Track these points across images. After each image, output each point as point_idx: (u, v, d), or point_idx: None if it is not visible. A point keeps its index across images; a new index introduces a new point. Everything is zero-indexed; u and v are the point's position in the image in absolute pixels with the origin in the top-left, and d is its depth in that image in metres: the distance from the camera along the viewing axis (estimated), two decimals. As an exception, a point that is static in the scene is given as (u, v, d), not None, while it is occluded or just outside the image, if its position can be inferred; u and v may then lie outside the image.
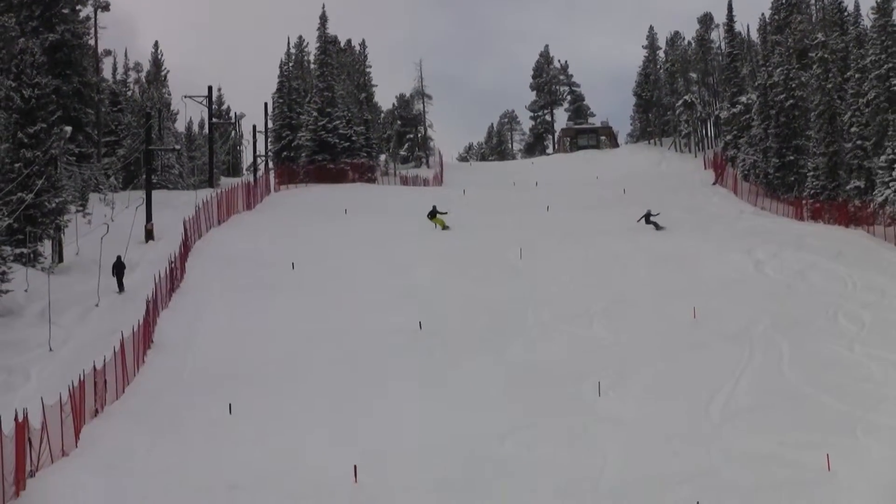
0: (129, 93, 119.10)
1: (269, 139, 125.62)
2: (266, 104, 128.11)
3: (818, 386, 46.96)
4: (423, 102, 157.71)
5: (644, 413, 43.22)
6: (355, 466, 34.81)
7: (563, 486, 33.90)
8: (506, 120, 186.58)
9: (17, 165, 67.93)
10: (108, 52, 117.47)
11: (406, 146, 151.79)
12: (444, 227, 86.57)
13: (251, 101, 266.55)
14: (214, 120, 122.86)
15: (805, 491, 32.31)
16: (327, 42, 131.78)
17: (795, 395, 45.85)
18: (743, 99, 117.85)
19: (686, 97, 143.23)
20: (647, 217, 69.28)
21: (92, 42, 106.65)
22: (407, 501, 32.15)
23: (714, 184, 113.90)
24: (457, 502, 31.99)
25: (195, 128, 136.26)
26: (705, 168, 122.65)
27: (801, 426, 40.86)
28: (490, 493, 33.18)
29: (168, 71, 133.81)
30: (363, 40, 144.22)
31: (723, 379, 47.86)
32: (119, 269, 67.02)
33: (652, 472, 35.52)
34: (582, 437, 40.17)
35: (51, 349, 52.38)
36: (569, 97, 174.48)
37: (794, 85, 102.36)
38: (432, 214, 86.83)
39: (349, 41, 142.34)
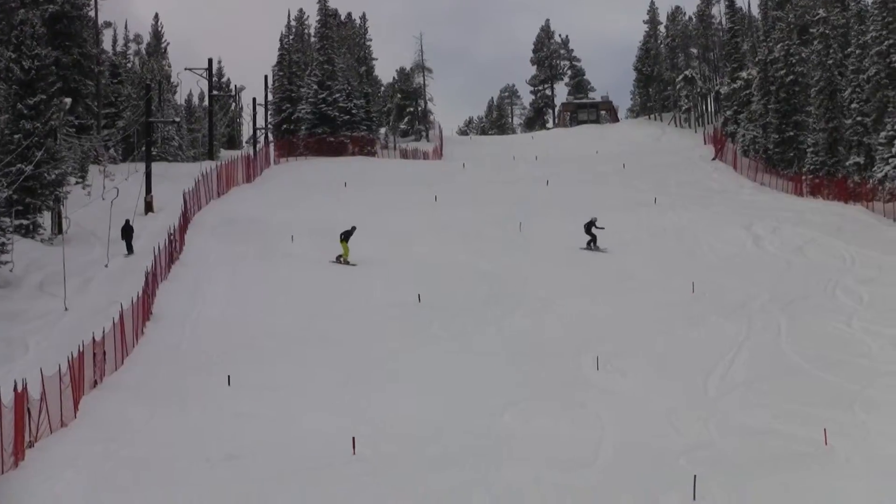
0: (129, 65, 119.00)
1: (269, 112, 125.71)
2: (266, 77, 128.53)
3: (816, 361, 47.03)
4: (424, 76, 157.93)
5: (642, 387, 43.26)
6: (353, 438, 34.79)
7: (560, 459, 33.89)
8: (506, 94, 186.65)
9: (16, 137, 67.98)
10: (108, 24, 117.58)
11: (406, 120, 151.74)
12: (345, 259, 67.47)
13: (251, 74, 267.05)
14: (214, 92, 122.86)
15: (802, 465, 32.29)
16: (327, 15, 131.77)
17: (793, 370, 45.92)
18: (743, 74, 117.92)
19: (686, 72, 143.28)
20: (590, 226, 63.30)
21: (92, 13, 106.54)
22: (405, 473, 32.09)
23: (714, 159, 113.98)
24: (455, 475, 31.93)
25: (195, 100, 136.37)
26: (705, 143, 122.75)
27: (799, 401, 40.88)
28: (488, 465, 33.16)
29: (168, 43, 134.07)
30: (363, 14, 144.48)
31: (721, 353, 47.92)
32: (128, 232, 68.25)
33: (649, 445, 35.52)
34: (580, 410, 40.17)
35: (63, 314, 52.55)
36: (569, 72, 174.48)
37: (794, 61, 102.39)
38: (345, 237, 68.06)
39: (349, 14, 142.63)
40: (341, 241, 67.48)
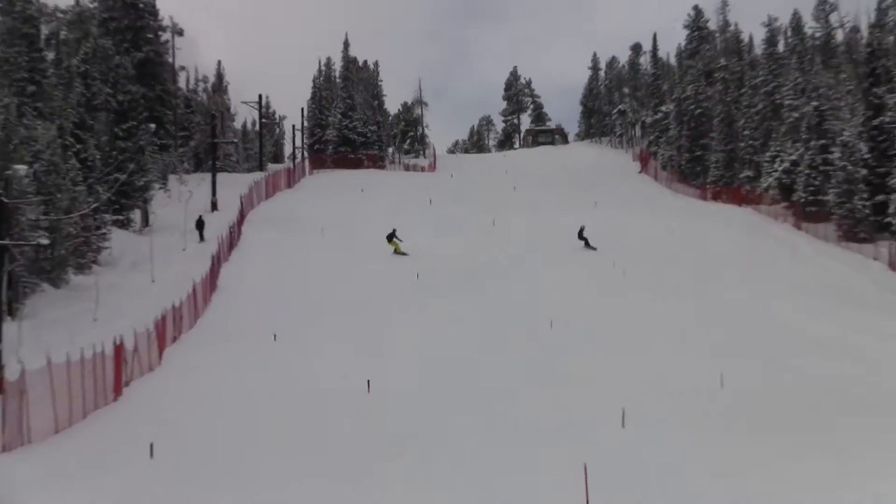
0: (199, 98, 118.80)
1: (305, 135, 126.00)
2: (302, 109, 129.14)
3: (711, 317, 47.78)
4: (422, 109, 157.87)
5: (582, 342, 43.65)
6: (368, 381, 35.22)
7: (519, 394, 34.32)
8: (483, 122, 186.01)
9: (114, 153, 68.37)
10: (182, 68, 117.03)
11: (408, 141, 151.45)
12: (400, 252, 65.59)
13: (291, 105, 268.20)
14: (263, 120, 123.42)
15: (700, 399, 32.71)
16: (349, 62, 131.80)
17: (694, 329, 46.35)
18: (663, 108, 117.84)
19: (620, 106, 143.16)
20: (581, 232, 63.93)
21: (170, 59, 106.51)
22: (405, 404, 32.50)
23: (640, 172, 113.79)
24: (445, 404, 32.36)
25: (248, 125, 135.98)
26: (634, 160, 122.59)
27: (698, 352, 41.36)
28: (465, 397, 33.60)
29: (228, 82, 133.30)
30: (376, 61, 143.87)
31: (642, 318, 48.36)
32: (200, 224, 68.95)
33: (587, 384, 35.95)
34: (535, 361, 40.57)
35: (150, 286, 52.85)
36: (531, 106, 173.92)
37: (701, 98, 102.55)
38: (390, 237, 66.38)
39: (365, 61, 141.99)
40: (390, 241, 65.89)
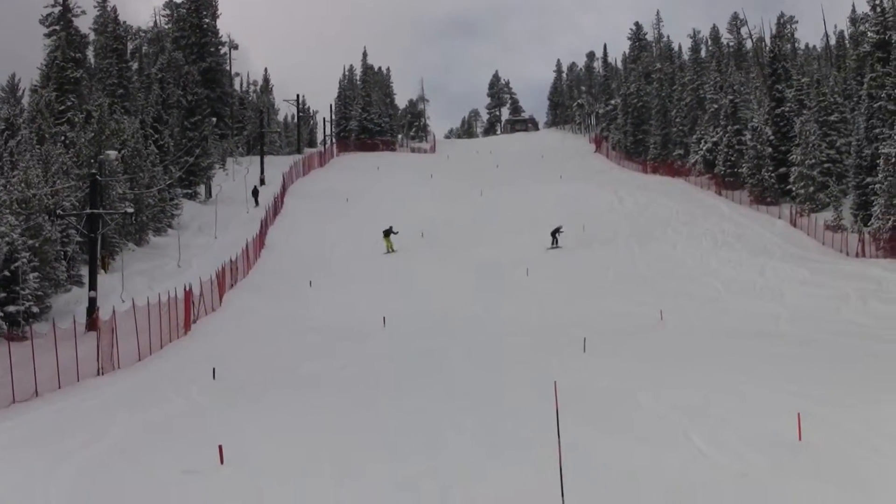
0: (250, 98, 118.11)
1: (333, 125, 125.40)
2: (331, 105, 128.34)
3: (655, 271, 47.24)
4: (424, 104, 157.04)
5: (552, 286, 43.37)
6: (384, 318, 34.92)
7: (507, 326, 34.05)
8: (472, 114, 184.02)
9: (184, 141, 67.93)
10: (237, 74, 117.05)
11: (413, 129, 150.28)
12: (391, 251, 54.65)
13: (323, 100, 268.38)
14: (300, 114, 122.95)
15: (647, 331, 32.43)
16: (367, 68, 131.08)
17: (642, 276, 46.05)
18: (612, 102, 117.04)
19: (579, 101, 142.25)
20: (555, 232, 58.65)
21: (227, 67, 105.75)
22: (414, 335, 32.24)
23: (595, 152, 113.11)
24: (444, 335, 32.08)
25: (289, 118, 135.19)
26: (590, 143, 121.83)
27: (644, 294, 41.06)
28: (459, 328, 33.35)
29: (273, 84, 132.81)
30: (388, 67, 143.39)
31: (599, 267, 48.02)
32: (255, 192, 69.40)
33: (558, 320, 35.67)
34: (517, 300, 40.35)
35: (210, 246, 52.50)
36: (510, 101, 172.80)
37: (642, 94, 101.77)
38: (386, 234, 55.33)
39: (380, 67, 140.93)
40: (385, 236, 54.99)
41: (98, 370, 26.34)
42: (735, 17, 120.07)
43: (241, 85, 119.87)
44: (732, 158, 74.53)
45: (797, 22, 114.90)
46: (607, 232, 57.88)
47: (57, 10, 72.00)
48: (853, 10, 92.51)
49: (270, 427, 18.38)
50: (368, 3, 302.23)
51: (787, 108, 70.84)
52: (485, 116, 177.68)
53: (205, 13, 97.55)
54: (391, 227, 55.27)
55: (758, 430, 16.78)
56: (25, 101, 79.91)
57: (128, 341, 28.06)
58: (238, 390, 22.95)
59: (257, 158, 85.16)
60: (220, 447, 15.48)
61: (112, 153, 44.77)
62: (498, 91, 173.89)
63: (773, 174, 68.72)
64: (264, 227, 57.75)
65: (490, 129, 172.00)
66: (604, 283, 44.53)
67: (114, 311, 28.79)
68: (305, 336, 32.83)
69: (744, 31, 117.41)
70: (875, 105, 58.26)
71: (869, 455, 15.05)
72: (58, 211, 38.83)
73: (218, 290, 40.29)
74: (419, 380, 23.80)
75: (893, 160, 49.94)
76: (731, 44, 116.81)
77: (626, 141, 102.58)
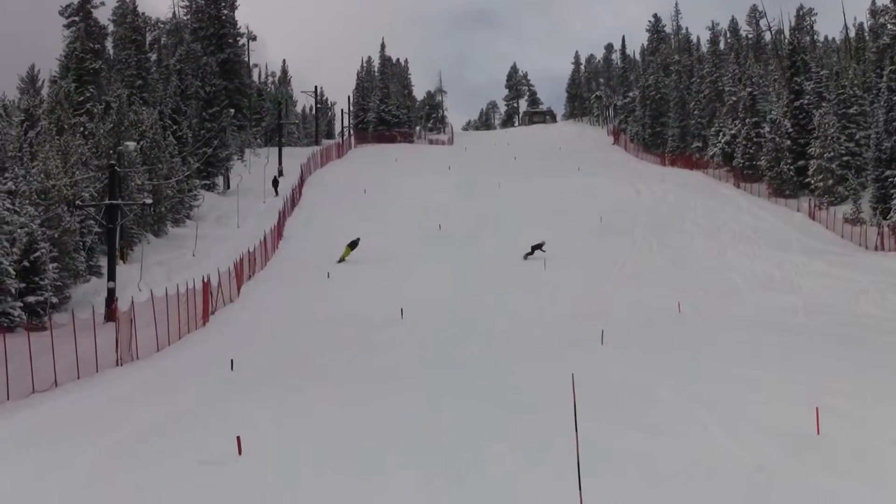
0: (268, 89, 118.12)
1: (351, 117, 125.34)
2: (349, 97, 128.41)
3: (672, 263, 47.18)
4: (442, 96, 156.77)
5: (570, 278, 43.29)
6: (402, 309, 34.92)
7: (524, 318, 34.00)
8: (490, 106, 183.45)
9: (202, 132, 68.01)
10: (255, 65, 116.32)
11: (431, 121, 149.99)
12: (344, 259, 49.08)
13: (340, 91, 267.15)
14: (318, 105, 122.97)
15: (664, 323, 32.37)
16: (385, 59, 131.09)
17: (659, 268, 45.98)
18: (630, 94, 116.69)
19: (597, 93, 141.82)
20: (536, 248, 50.05)
21: (246, 59, 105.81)
22: (430, 326, 32.20)
23: (613, 144, 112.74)
24: (462, 327, 32.05)
25: (307, 109, 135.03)
26: (608, 135, 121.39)
27: (662, 286, 40.98)
28: (477, 320, 33.31)
29: (291, 76, 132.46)
30: (406, 59, 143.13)
31: (616, 259, 47.94)
32: (275, 182, 70.03)
33: (575, 312, 35.61)
34: (535, 292, 40.29)
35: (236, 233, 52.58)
36: (528, 93, 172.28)
37: (660, 86, 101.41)
38: (352, 245, 49.87)
39: (398, 59, 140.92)
40: (348, 246, 49.76)
41: (117, 361, 26.46)
42: (754, 9, 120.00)
43: (260, 76, 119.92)
44: (751, 151, 74.30)
45: (816, 14, 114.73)
46: (625, 224, 57.74)
47: (76, 1, 72.22)
48: (873, 3, 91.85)
49: (289, 418, 18.45)
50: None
51: (805, 101, 70.60)
52: (502, 108, 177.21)
53: (223, 4, 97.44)
54: (358, 240, 50.11)
55: (776, 423, 16.75)
56: (45, 92, 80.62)
57: (146, 332, 28.17)
58: (256, 381, 23.01)
59: (275, 150, 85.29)
60: (238, 438, 15.55)
61: (131, 144, 45.00)
62: (516, 83, 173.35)
63: (791, 167, 68.55)
64: (282, 218, 57.83)
65: (508, 121, 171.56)
66: (621, 276, 44.48)
67: (132, 302, 28.89)
68: (323, 327, 32.84)
69: (763, 23, 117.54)
70: (895, 98, 57.99)
71: (887, 448, 15.00)
72: (77, 202, 39.02)
73: (236, 280, 40.39)
74: (437, 372, 23.82)
75: (913, 153, 49.69)
76: (750, 36, 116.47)
77: (644, 133, 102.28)
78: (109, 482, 14.37)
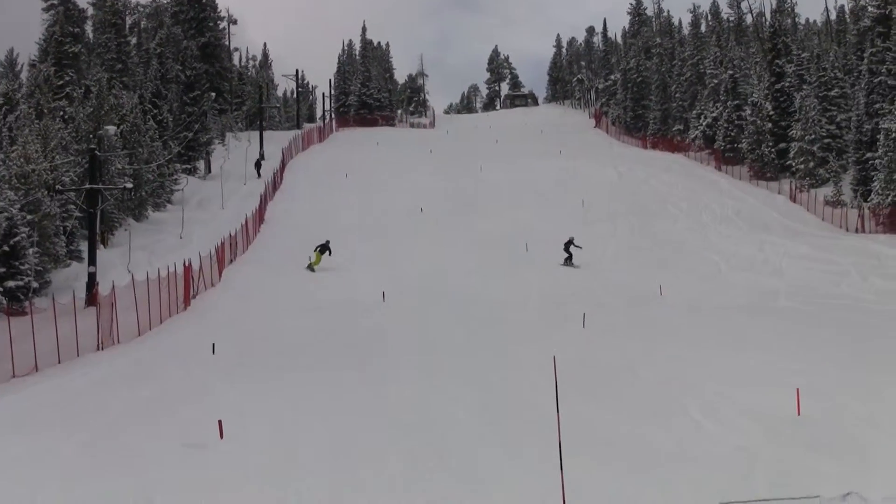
0: (249, 73, 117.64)
1: (332, 100, 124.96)
2: (330, 80, 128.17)
3: (654, 245, 47.26)
4: (423, 79, 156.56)
5: (553, 262, 43.29)
6: (384, 293, 34.90)
7: (507, 300, 34.02)
8: (472, 89, 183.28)
9: (183, 116, 67.63)
10: (236, 49, 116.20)
11: (413, 105, 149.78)
12: (313, 267, 42.70)
13: (321, 75, 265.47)
14: (300, 89, 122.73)
15: (648, 305, 32.47)
16: (366, 43, 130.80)
17: (641, 251, 46.03)
18: (612, 77, 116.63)
19: (578, 76, 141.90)
20: (568, 245, 44.16)
21: (226, 42, 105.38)
22: (414, 310, 32.22)
23: (595, 127, 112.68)
24: (445, 310, 32.07)
25: (288, 93, 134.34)
26: (590, 118, 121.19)
27: (644, 269, 41.08)
28: (459, 303, 33.33)
29: (272, 60, 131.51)
30: (388, 42, 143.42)
31: (600, 242, 47.94)
32: (258, 164, 69.81)
33: (557, 294, 35.64)
34: (517, 275, 40.30)
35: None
36: (509, 76, 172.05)
37: (642, 69, 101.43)
38: (322, 249, 43.60)
39: (379, 42, 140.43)
40: (316, 251, 43.47)
41: (98, 345, 26.35)
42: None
43: (241, 60, 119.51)
44: (732, 134, 74.45)
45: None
46: (607, 207, 57.73)
47: (55, -16, 71.72)
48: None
49: (270, 402, 18.44)
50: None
51: (787, 84, 70.68)
52: (484, 91, 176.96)
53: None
54: (328, 242, 44.42)
55: (757, 405, 16.85)
56: (24, 76, 79.97)
57: (127, 316, 28.06)
58: (237, 365, 22.98)
59: (256, 134, 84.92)
60: (220, 422, 15.53)
61: (111, 128, 44.67)
62: (497, 66, 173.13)
63: (772, 149, 68.68)
64: (263, 202, 57.61)
65: (489, 105, 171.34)
66: (603, 258, 44.53)
67: (113, 287, 28.74)
68: (304, 311, 32.78)
69: (744, 5, 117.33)
70: (875, 80, 58.22)
71: (867, 429, 15.12)
72: (57, 186, 38.77)
73: (218, 265, 40.25)
74: (419, 356, 23.84)
75: (894, 135, 49.90)
76: (732, 19, 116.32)
77: (625, 116, 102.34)
78: (92, 466, 14.32)
